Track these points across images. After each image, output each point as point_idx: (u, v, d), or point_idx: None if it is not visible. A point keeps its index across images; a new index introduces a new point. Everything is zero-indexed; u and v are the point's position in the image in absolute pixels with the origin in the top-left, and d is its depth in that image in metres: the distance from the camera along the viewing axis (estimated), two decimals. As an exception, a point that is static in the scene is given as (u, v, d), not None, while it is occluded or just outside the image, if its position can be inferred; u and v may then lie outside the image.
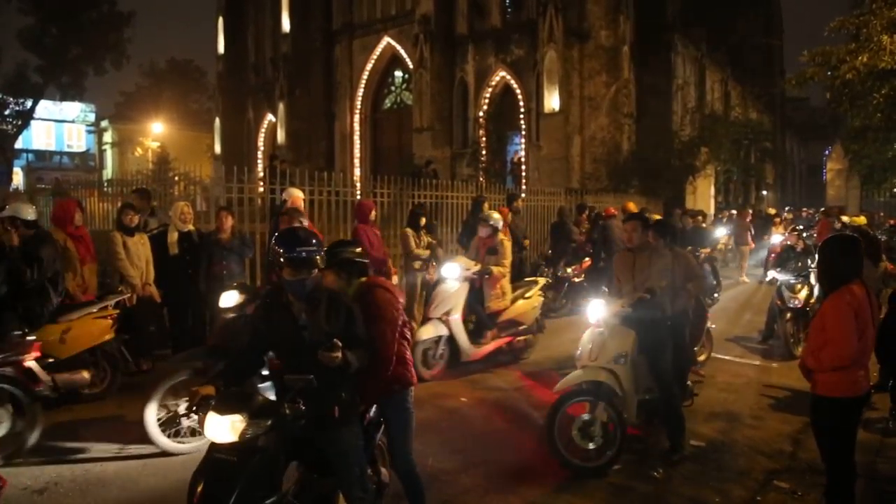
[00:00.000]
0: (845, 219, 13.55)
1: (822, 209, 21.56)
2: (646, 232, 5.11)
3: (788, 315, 8.08)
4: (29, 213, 5.73)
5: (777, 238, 15.37)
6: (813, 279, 8.06)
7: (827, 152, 27.93)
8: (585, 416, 4.67)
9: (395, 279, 9.00)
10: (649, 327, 4.88)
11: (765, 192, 32.43)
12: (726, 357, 7.93)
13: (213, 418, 2.80)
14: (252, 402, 2.88)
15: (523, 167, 21.52)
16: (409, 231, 8.95)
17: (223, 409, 2.82)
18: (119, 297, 6.37)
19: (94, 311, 5.92)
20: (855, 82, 14.96)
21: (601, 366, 4.77)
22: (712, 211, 22.70)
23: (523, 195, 14.10)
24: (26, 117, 32.54)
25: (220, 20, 29.40)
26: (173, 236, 7.33)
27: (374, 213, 8.82)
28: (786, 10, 48.12)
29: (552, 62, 19.76)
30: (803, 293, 8.09)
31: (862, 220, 12.88)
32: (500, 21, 22.45)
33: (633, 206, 12.08)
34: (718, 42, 28.83)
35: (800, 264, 8.33)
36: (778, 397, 6.59)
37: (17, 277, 5.25)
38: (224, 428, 2.78)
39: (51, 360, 5.32)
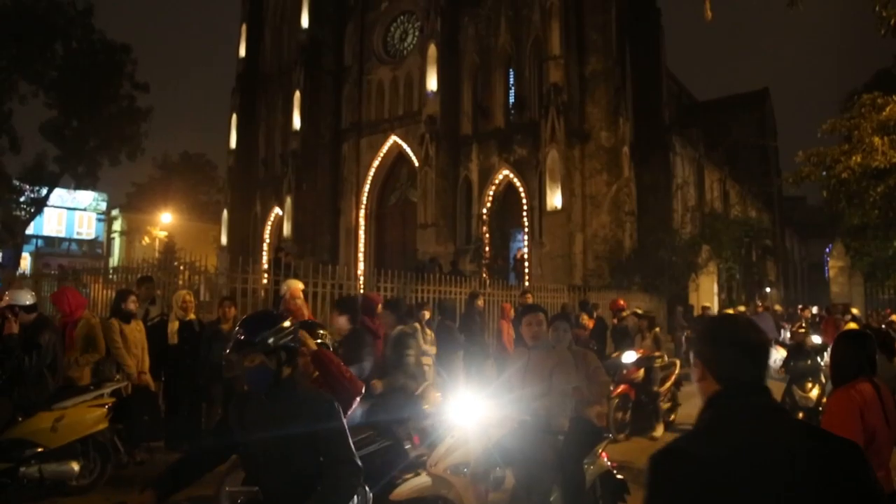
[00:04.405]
0: (855, 312, 13.30)
1: (815, 308, 21.41)
2: (547, 327, 4.42)
3: (800, 415, 7.85)
4: (27, 298, 5.74)
5: (630, 356, 8.92)
6: (823, 377, 7.89)
7: (828, 249, 28.08)
8: None
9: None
10: (531, 445, 4.20)
11: (768, 290, 32.39)
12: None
13: None
14: None
15: (526, 263, 21.68)
16: (416, 325, 8.89)
17: None
18: (116, 385, 6.26)
19: (89, 398, 5.81)
20: (850, 181, 15.30)
21: (439, 473, 4.12)
22: (716, 309, 22.53)
23: (529, 293, 14.12)
24: (41, 205, 33.10)
25: (234, 117, 30.59)
26: (174, 326, 7.29)
27: (380, 307, 8.79)
28: (778, 113, 49.91)
29: (554, 161, 20.35)
30: (815, 392, 7.90)
31: (853, 325, 10.85)
32: (503, 122, 23.33)
33: (623, 303, 12.01)
34: (715, 143, 29.76)
35: (810, 362, 8.18)
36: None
37: (15, 364, 5.20)
38: None
39: (39, 450, 5.18)
